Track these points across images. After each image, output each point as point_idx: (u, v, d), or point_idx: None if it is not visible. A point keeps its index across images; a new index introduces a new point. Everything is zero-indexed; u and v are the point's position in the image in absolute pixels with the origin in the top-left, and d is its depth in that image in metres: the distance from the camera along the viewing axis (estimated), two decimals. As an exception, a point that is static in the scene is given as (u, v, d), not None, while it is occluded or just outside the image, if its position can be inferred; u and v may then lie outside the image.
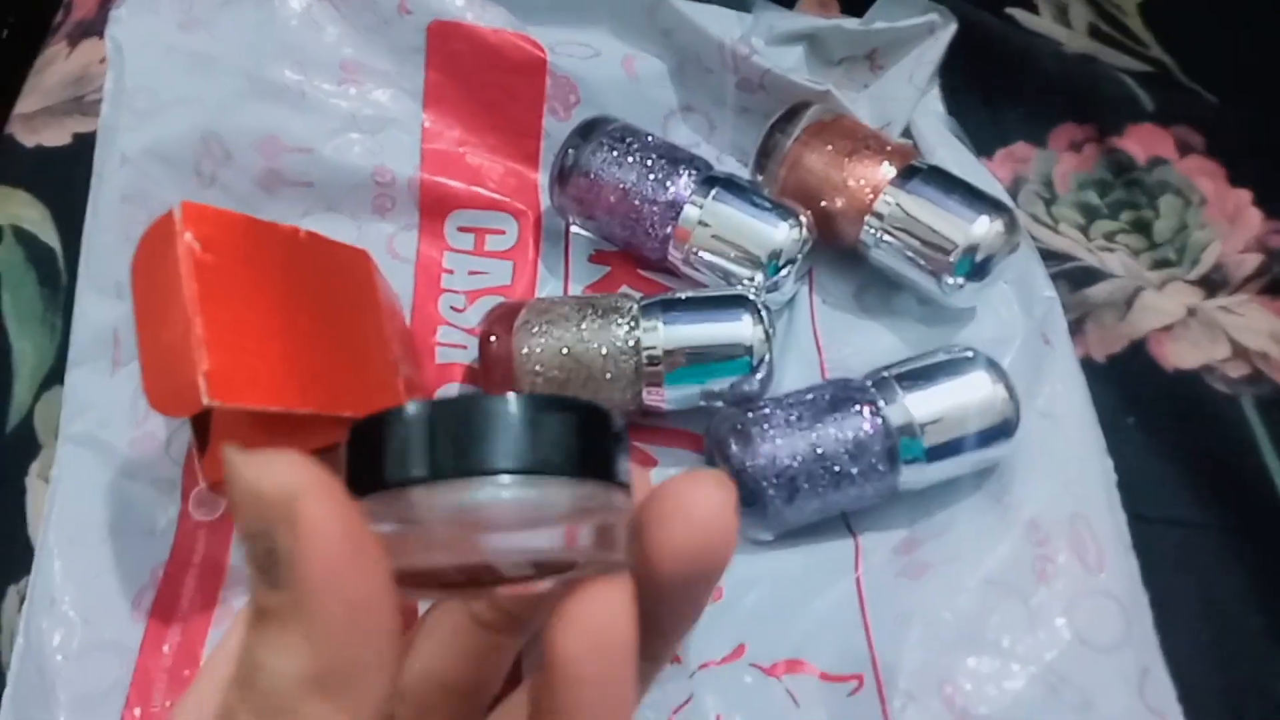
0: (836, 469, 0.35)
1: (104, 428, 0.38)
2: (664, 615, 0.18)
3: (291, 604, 0.14)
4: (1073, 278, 0.43)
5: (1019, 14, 0.51)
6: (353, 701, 0.15)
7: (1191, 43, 0.49)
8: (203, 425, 0.35)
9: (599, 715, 0.16)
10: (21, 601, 0.36)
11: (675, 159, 0.42)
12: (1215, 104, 0.47)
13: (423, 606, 0.23)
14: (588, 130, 0.42)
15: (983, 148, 0.47)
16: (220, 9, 0.43)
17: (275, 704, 0.15)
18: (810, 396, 0.36)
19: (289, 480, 0.14)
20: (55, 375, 0.41)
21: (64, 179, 0.45)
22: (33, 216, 0.45)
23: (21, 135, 0.47)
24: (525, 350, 0.37)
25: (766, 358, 0.37)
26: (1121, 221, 0.45)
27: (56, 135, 0.47)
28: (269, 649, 0.15)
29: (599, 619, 0.16)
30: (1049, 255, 0.44)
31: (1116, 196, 0.45)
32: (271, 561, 0.14)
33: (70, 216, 0.44)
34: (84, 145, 0.45)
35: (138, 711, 0.33)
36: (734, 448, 0.36)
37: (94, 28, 0.50)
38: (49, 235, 0.44)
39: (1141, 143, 0.45)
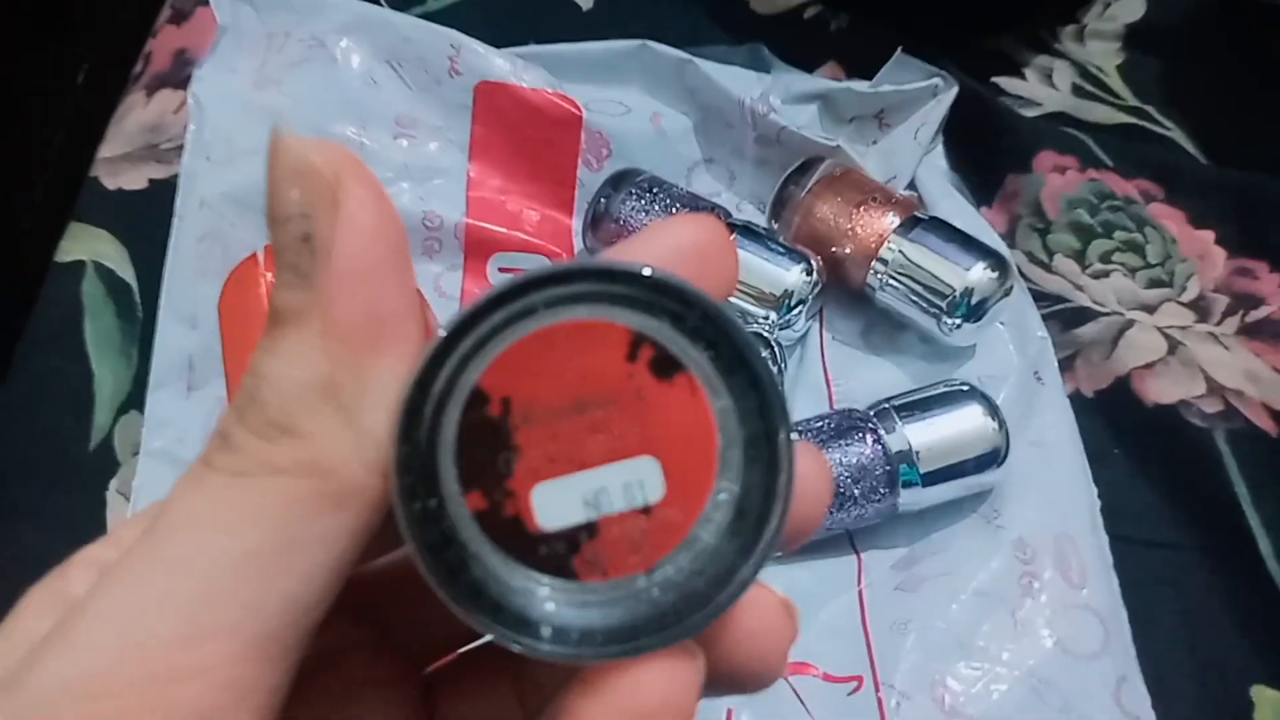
0: (841, 491, 0.39)
1: (180, 444, 0.42)
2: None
3: (313, 302, 0.14)
4: (1064, 318, 0.47)
5: (1004, 81, 0.55)
6: (360, 417, 0.14)
7: (1162, 93, 0.54)
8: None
9: None
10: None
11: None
12: (1171, 155, 0.51)
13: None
14: (618, 181, 0.47)
15: (981, 197, 0.51)
16: (290, 69, 0.48)
17: (277, 418, 0.14)
18: (818, 424, 0.40)
19: (340, 161, 0.14)
20: (131, 401, 0.45)
21: (140, 220, 0.49)
22: (112, 254, 0.49)
23: (105, 179, 0.51)
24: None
25: (779, 389, 0.41)
26: (1116, 240, 0.48)
27: (135, 180, 0.51)
28: (278, 357, 0.14)
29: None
30: (1042, 297, 0.47)
31: (1104, 217, 0.48)
32: (304, 250, 0.14)
33: (145, 255, 0.48)
34: (159, 189, 0.49)
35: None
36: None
37: (170, 79, 0.54)
38: (126, 271, 0.48)
39: (1113, 183, 0.49)
